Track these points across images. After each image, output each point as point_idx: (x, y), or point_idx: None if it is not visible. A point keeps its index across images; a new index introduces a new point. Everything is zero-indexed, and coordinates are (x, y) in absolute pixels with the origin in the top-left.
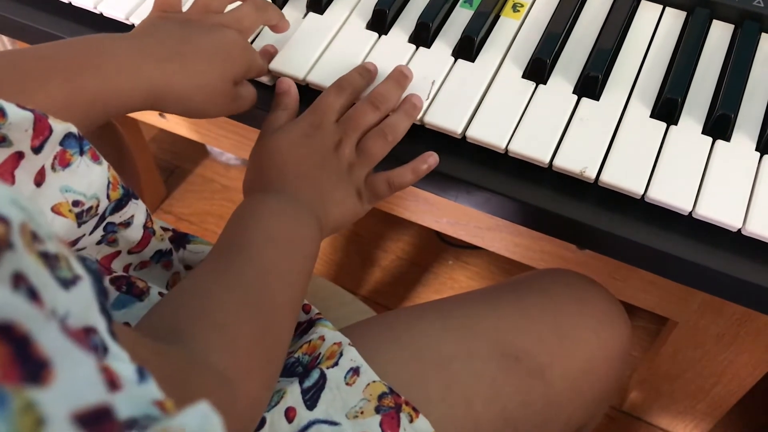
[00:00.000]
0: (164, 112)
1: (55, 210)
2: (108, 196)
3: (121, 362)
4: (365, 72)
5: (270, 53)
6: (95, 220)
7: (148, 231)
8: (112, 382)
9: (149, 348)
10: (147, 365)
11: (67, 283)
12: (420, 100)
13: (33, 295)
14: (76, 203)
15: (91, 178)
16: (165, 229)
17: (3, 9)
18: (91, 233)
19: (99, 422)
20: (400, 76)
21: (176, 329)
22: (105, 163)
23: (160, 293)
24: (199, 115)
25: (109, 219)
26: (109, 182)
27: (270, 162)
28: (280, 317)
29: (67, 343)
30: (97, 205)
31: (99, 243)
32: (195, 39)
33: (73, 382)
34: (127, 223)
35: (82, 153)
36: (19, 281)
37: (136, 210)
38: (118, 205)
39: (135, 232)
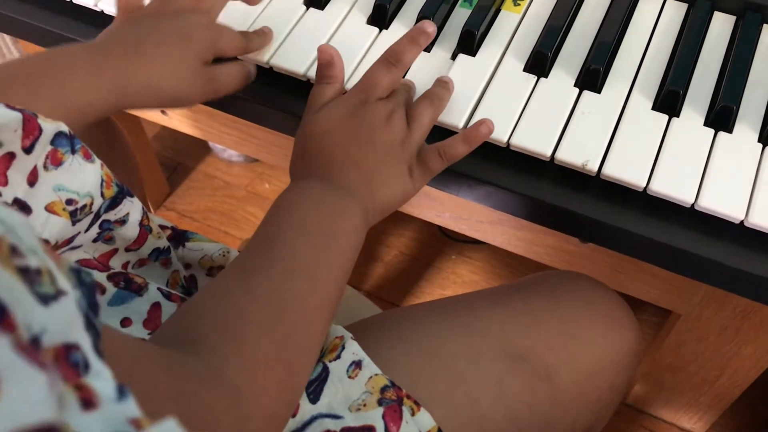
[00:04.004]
0: (139, 107)
1: (49, 209)
2: (102, 194)
3: (102, 380)
4: (419, 35)
5: (264, 33)
6: (90, 218)
7: (144, 229)
8: (88, 401)
9: (158, 362)
10: (153, 382)
11: (47, 298)
12: (449, 78)
13: (1, 311)
14: (69, 201)
15: (83, 176)
16: (164, 227)
17: (4, 7)
18: (86, 231)
19: None
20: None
21: (195, 339)
22: (98, 162)
23: (159, 288)
24: (176, 103)
25: (105, 217)
26: (102, 180)
27: (316, 145)
28: (309, 323)
29: (18, 360)
30: (91, 203)
31: (95, 241)
32: (153, 29)
33: (19, 400)
34: (122, 221)
35: (73, 152)
36: None
37: (131, 208)
38: (113, 203)
39: (131, 230)
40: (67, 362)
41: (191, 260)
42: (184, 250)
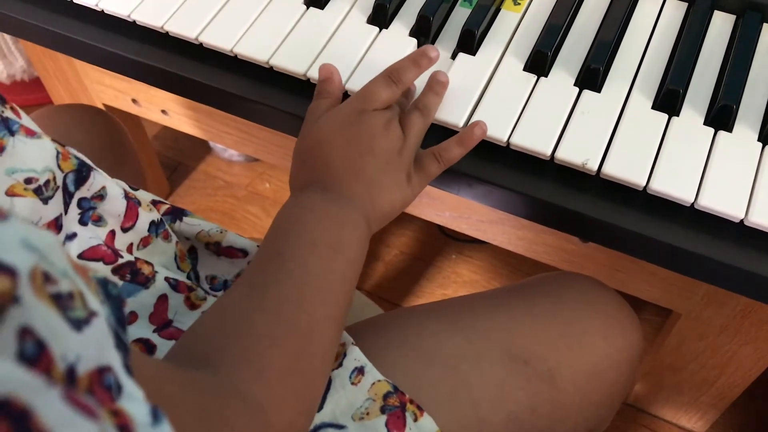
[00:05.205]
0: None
1: (10, 193)
2: (60, 167)
3: (135, 402)
4: (421, 58)
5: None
6: (59, 195)
7: (132, 201)
8: (124, 427)
9: (177, 381)
10: (174, 401)
11: (80, 323)
12: (444, 75)
13: (40, 348)
14: (28, 180)
15: (32, 153)
16: (162, 203)
17: (5, 7)
18: (66, 213)
19: None
20: (438, 77)
21: (209, 356)
22: (45, 136)
23: (166, 278)
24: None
25: (79, 195)
26: (58, 152)
27: (315, 154)
28: (320, 334)
29: (69, 412)
30: (54, 178)
31: (84, 224)
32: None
33: None
34: (100, 196)
35: (12, 134)
36: (26, 336)
37: (105, 181)
38: (79, 177)
39: (115, 203)
40: (101, 386)
41: (189, 234)
42: (182, 224)
